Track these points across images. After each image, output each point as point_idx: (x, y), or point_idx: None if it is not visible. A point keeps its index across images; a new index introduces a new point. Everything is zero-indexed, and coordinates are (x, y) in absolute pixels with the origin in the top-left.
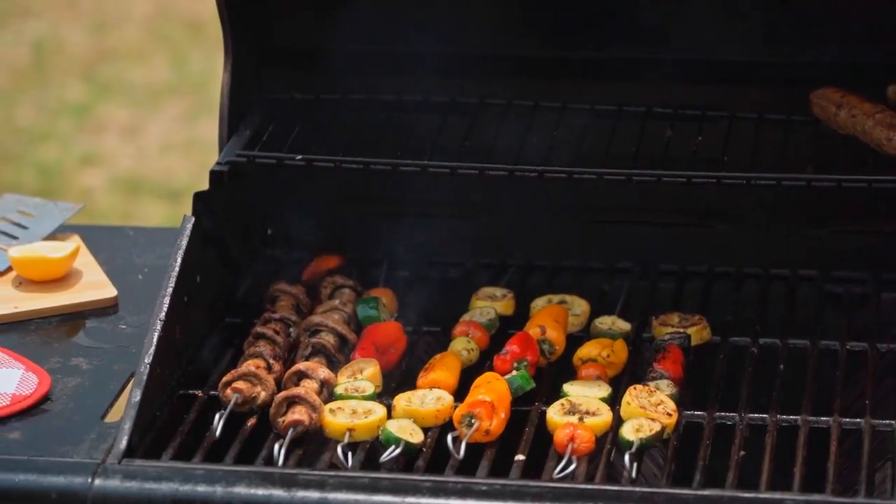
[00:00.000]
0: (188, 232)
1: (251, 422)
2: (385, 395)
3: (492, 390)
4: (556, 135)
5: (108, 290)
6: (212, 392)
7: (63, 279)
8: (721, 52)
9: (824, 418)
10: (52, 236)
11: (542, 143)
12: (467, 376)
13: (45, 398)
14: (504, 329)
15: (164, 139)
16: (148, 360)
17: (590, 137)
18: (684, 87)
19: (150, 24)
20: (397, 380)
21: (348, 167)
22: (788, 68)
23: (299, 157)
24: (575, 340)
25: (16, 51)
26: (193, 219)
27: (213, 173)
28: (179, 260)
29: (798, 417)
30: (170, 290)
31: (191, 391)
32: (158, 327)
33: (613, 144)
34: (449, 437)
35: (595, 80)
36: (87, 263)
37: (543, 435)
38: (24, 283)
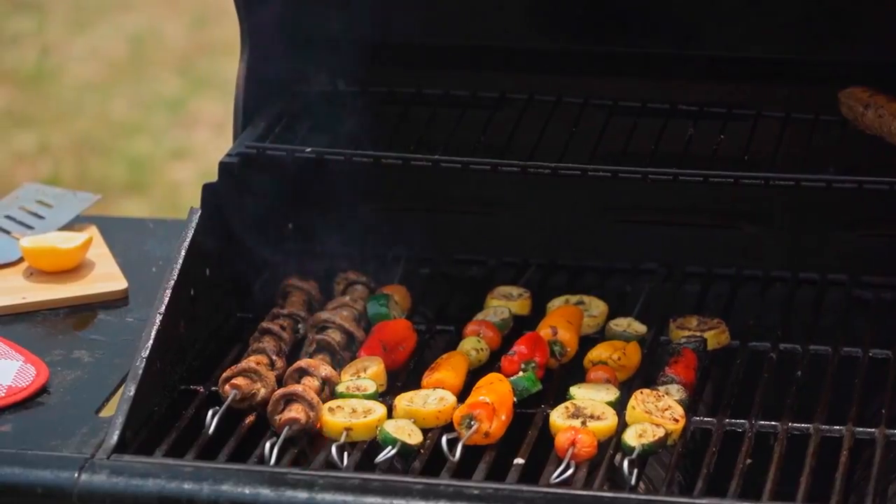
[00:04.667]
0: (194, 224)
1: (249, 419)
2: (390, 394)
3: (493, 392)
4: (575, 131)
5: (118, 283)
6: (213, 388)
7: (74, 270)
8: (749, 49)
9: (837, 427)
10: (69, 227)
11: (560, 139)
12: (477, 377)
13: (42, 391)
14: (519, 329)
15: None
16: (144, 353)
17: (610, 134)
18: (710, 84)
19: None
20: (403, 379)
21: (360, 160)
22: (818, 66)
23: (309, 149)
24: (590, 342)
25: (113, 44)
26: (200, 211)
27: (222, 165)
28: (183, 253)
29: (810, 426)
30: (171, 283)
31: (192, 386)
32: (158, 321)
33: (633, 142)
34: (443, 439)
35: (618, 76)
36: (100, 255)
37: (548, 438)
38: (35, 274)
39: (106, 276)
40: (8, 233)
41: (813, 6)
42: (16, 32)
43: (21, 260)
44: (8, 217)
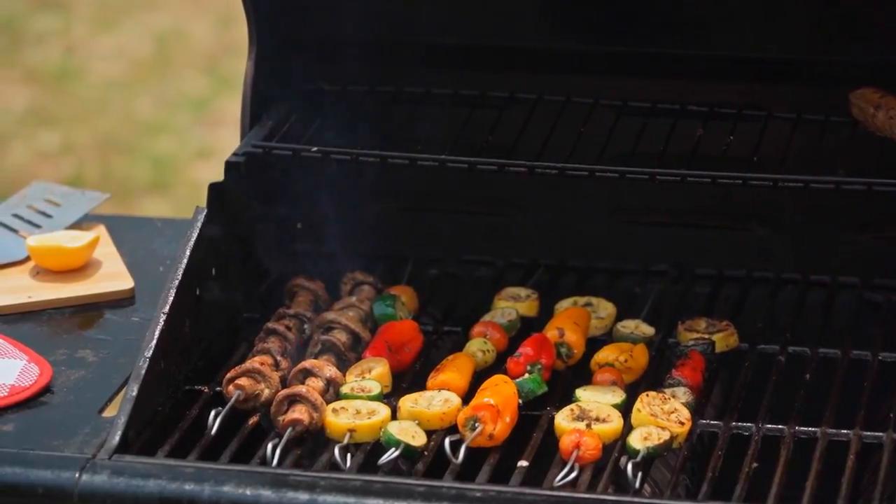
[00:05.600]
0: (199, 224)
1: (253, 420)
2: (394, 395)
3: (498, 393)
4: (584, 131)
5: (125, 282)
6: (217, 388)
7: (81, 269)
8: (760, 50)
9: (844, 431)
10: (76, 225)
11: (569, 139)
12: (483, 379)
13: (45, 390)
14: (526, 331)
15: None
16: (148, 353)
17: (619, 134)
18: (721, 84)
19: None
20: (409, 380)
21: (365, 160)
22: (829, 67)
23: (315, 148)
24: (598, 344)
25: (139, 43)
26: (206, 210)
27: (228, 164)
28: (188, 252)
29: (817, 429)
30: (176, 282)
31: (196, 387)
32: (162, 321)
33: (642, 142)
34: (447, 441)
35: (628, 76)
36: (107, 254)
37: (553, 441)
38: (42, 273)
39: (112, 276)
40: (15, 231)
41: (824, 7)
42: (41, 31)
43: (28, 259)
44: (15, 216)
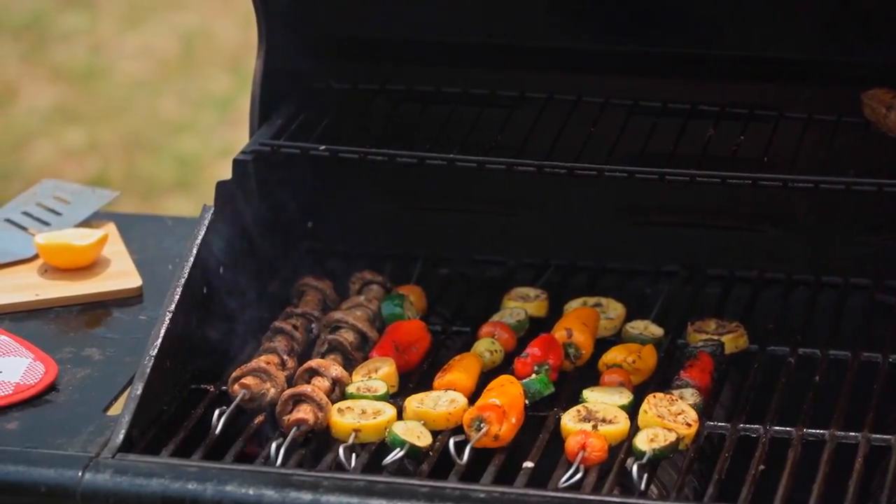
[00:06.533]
0: (206, 222)
1: (259, 419)
2: (401, 395)
3: (504, 394)
4: (594, 130)
5: (133, 280)
6: (224, 387)
7: (89, 267)
8: (772, 50)
9: (853, 434)
10: (86, 223)
11: (579, 138)
12: (490, 379)
13: (50, 388)
14: (535, 331)
15: None
16: (153, 352)
17: (629, 134)
18: (732, 84)
19: None
20: (416, 380)
21: (374, 159)
22: (841, 67)
23: (323, 147)
24: (607, 345)
25: (165, 42)
26: (213, 208)
27: (236, 162)
28: (195, 250)
29: (826, 432)
30: (182, 280)
31: (203, 386)
32: (167, 319)
33: (653, 142)
34: (451, 442)
35: (639, 76)
36: (116, 252)
37: (559, 442)
38: (50, 271)
39: (121, 274)
40: (25, 229)
41: (837, 7)
42: (68, 30)
43: (36, 256)
44: (25, 213)
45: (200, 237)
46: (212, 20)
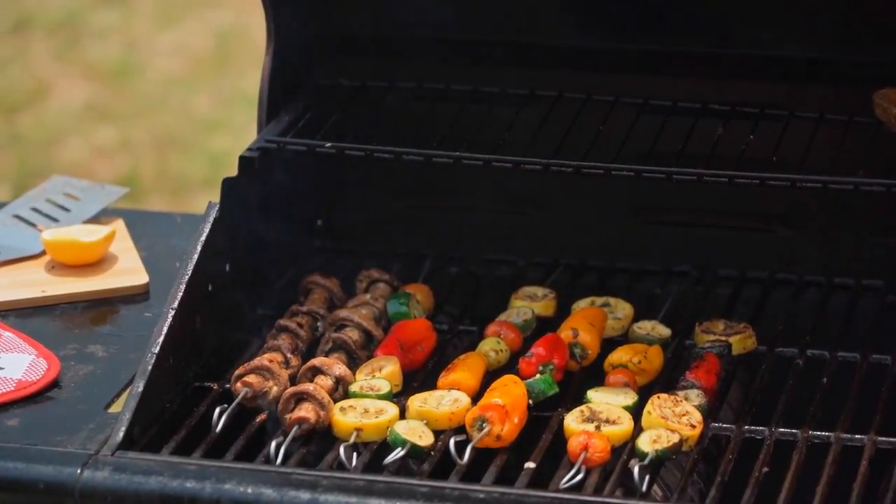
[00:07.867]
0: (211, 219)
1: (261, 417)
2: (405, 394)
3: (507, 394)
4: (603, 129)
5: (139, 277)
6: (227, 385)
7: (96, 264)
8: (783, 49)
9: (858, 436)
10: (95, 220)
11: (587, 137)
12: (495, 379)
13: (52, 385)
14: (542, 331)
15: None
16: (155, 349)
17: (638, 133)
18: (743, 83)
19: None
20: (420, 380)
21: (381, 156)
22: (853, 67)
23: (329, 144)
24: (614, 345)
25: (199, 40)
26: (217, 205)
27: (242, 159)
28: (199, 248)
29: (831, 434)
30: (186, 278)
31: (206, 383)
32: (170, 316)
33: (662, 141)
34: (451, 442)
35: (650, 74)
36: (123, 249)
37: (563, 442)
38: (57, 267)
39: (127, 271)
40: (33, 225)
41: (848, 6)
42: (102, 27)
43: (43, 253)
44: (34, 209)
45: (205, 234)
46: (248, 18)
